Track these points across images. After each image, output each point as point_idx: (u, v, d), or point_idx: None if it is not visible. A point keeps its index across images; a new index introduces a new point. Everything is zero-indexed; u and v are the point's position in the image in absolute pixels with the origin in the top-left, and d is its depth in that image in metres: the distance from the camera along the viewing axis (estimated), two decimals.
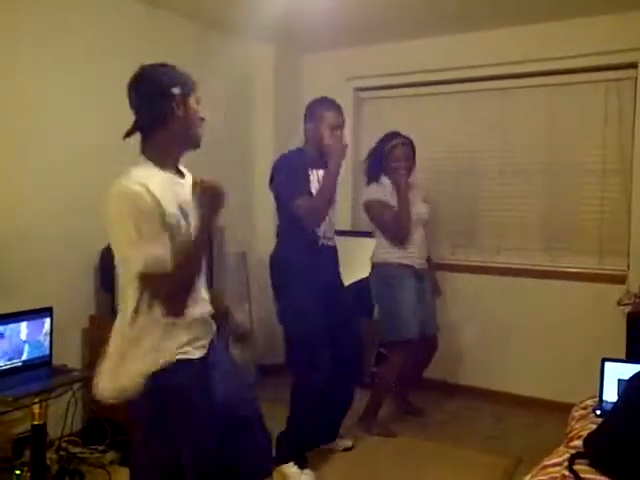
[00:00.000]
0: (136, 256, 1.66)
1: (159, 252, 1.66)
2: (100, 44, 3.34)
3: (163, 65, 1.84)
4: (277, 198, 3.00)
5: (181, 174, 1.89)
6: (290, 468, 2.91)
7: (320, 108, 2.98)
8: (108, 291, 3.31)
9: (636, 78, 3.66)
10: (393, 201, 3.44)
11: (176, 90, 1.77)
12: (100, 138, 3.34)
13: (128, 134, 1.85)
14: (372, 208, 3.49)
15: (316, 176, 2.94)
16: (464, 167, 4.23)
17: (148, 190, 1.67)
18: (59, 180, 3.18)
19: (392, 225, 3.43)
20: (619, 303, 3.47)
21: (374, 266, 3.56)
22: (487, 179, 4.20)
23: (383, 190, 3.47)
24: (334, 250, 3.11)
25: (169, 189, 1.75)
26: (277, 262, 3.02)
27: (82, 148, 3.27)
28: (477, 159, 4.22)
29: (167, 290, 1.72)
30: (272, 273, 3.04)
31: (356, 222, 4.53)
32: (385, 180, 3.49)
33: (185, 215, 1.76)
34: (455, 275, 4.19)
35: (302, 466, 2.93)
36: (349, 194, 4.41)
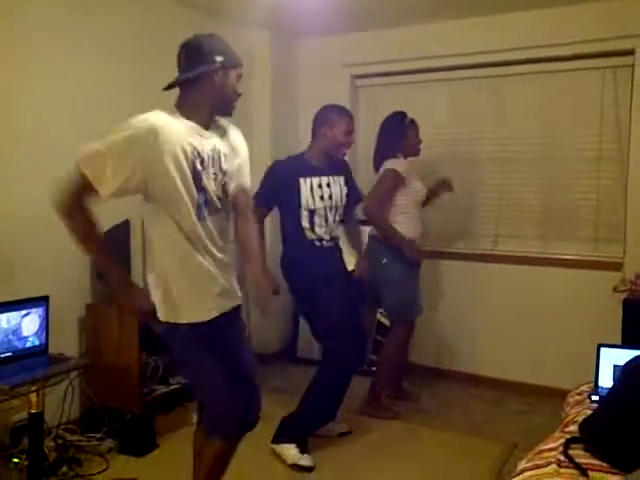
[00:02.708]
0: (88, 149, 1.83)
1: (102, 172, 1.80)
2: (95, 33, 3.32)
3: (215, 36, 2.00)
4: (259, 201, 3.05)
5: (210, 127, 2.02)
6: (291, 449, 2.94)
7: (335, 114, 3.06)
8: (105, 280, 3.31)
9: (633, 65, 3.64)
10: (413, 180, 3.52)
11: (219, 58, 1.92)
12: (101, 129, 3.32)
13: (168, 87, 1.98)
14: (391, 177, 3.44)
15: (309, 183, 3.00)
16: (460, 155, 4.22)
17: (154, 131, 1.82)
18: (58, 169, 3.15)
19: (381, 206, 3.45)
20: (615, 290, 3.48)
21: (388, 247, 3.52)
22: (483, 167, 4.19)
23: (404, 165, 3.49)
24: (335, 249, 3.16)
25: (185, 135, 1.90)
26: (288, 265, 3.10)
27: (84, 137, 3.25)
28: (473, 147, 4.21)
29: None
30: (289, 278, 3.10)
31: None
32: (401, 158, 3.52)
33: (194, 159, 1.91)
34: (451, 263, 4.20)
35: (303, 450, 2.96)
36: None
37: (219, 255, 2.02)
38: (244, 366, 2.14)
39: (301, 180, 2.99)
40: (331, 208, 3.05)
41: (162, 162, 1.85)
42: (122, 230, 3.11)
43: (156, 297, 2.00)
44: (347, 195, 3.15)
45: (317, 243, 3.03)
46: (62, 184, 1.87)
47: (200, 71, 1.91)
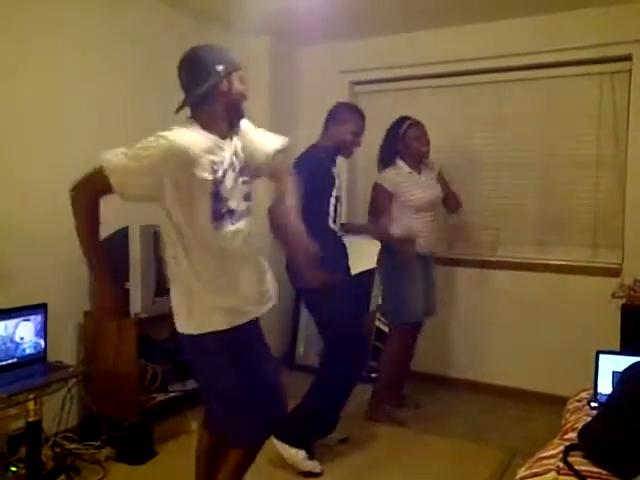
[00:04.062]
0: (114, 158, 1.90)
1: (127, 179, 1.88)
2: (94, 39, 3.33)
3: (209, 46, 2.04)
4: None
5: (228, 136, 2.07)
6: (298, 454, 2.93)
7: (346, 113, 3.09)
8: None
9: (630, 70, 3.65)
10: (408, 185, 3.50)
11: (220, 68, 1.96)
12: (98, 137, 3.34)
13: (179, 109, 2.03)
14: (376, 190, 3.51)
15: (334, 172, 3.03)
16: (459, 160, 4.22)
17: (180, 147, 1.88)
18: (55, 178, 3.16)
19: (375, 223, 3.50)
20: (613, 296, 3.47)
21: (386, 248, 3.57)
22: (482, 172, 4.20)
23: (399, 173, 3.51)
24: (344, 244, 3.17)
25: (207, 148, 1.95)
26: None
27: (80, 148, 3.25)
28: (472, 152, 4.22)
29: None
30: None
31: (351, 215, 4.51)
32: (400, 163, 3.54)
33: (215, 170, 1.96)
34: (450, 268, 4.20)
35: (310, 457, 2.96)
36: (345, 187, 4.37)
37: (243, 263, 2.08)
38: (266, 374, 2.19)
39: (332, 167, 3.02)
40: (339, 197, 3.07)
41: (188, 176, 1.90)
42: (121, 236, 3.11)
43: (181, 310, 2.04)
44: None
45: (339, 234, 3.03)
46: (84, 181, 1.98)
47: (206, 87, 1.96)
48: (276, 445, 2.90)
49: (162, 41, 3.67)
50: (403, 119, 3.58)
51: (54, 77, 3.16)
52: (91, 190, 1.97)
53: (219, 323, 2.02)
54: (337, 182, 3.03)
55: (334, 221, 3.00)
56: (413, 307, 3.51)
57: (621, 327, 3.25)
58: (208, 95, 1.98)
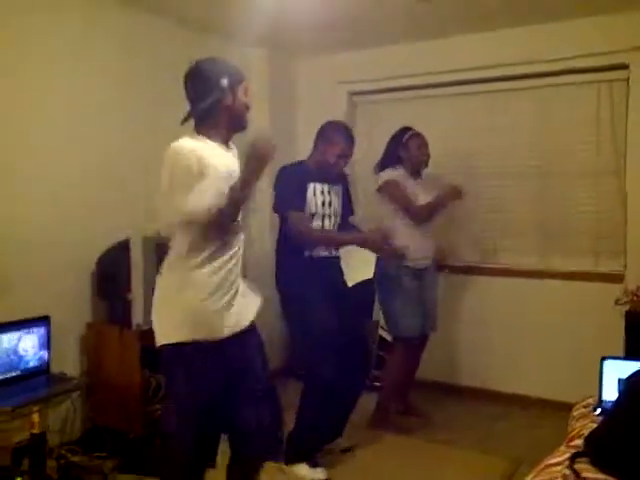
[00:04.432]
0: (183, 201, 1.87)
1: (202, 201, 1.86)
2: (92, 51, 3.35)
3: (213, 59, 2.08)
4: (275, 209, 3.06)
5: (229, 148, 2.13)
6: (302, 469, 2.93)
7: (335, 133, 3.06)
8: (104, 298, 3.30)
9: (628, 79, 3.67)
10: (409, 188, 3.52)
11: (224, 82, 2.00)
12: (98, 149, 3.37)
13: (184, 120, 2.07)
14: (391, 187, 3.50)
15: (313, 189, 3.01)
16: (458, 169, 4.23)
17: (195, 152, 1.91)
18: (56, 189, 3.18)
19: (414, 208, 3.49)
20: (617, 302, 3.47)
21: (377, 262, 3.60)
22: (482, 181, 4.20)
23: (398, 175, 3.52)
24: (333, 260, 3.14)
25: (217, 154, 2.00)
26: (283, 286, 3.06)
27: (81, 159, 3.29)
28: (470, 161, 4.23)
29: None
30: (281, 295, 3.08)
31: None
32: (399, 168, 3.56)
33: (228, 177, 1.95)
34: (452, 276, 4.19)
35: (314, 465, 2.96)
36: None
37: (233, 273, 2.08)
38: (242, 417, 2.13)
39: (309, 184, 3.00)
40: (330, 216, 3.07)
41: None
42: (122, 248, 3.12)
43: (175, 317, 2.02)
44: (343, 206, 3.17)
45: (313, 255, 3.01)
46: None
47: (211, 100, 2.00)
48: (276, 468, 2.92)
49: (161, 51, 3.70)
50: (406, 129, 3.62)
51: (55, 85, 3.18)
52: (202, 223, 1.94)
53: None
54: (320, 199, 3.01)
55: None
56: (408, 323, 3.49)
57: (625, 333, 3.25)
58: (212, 108, 2.01)
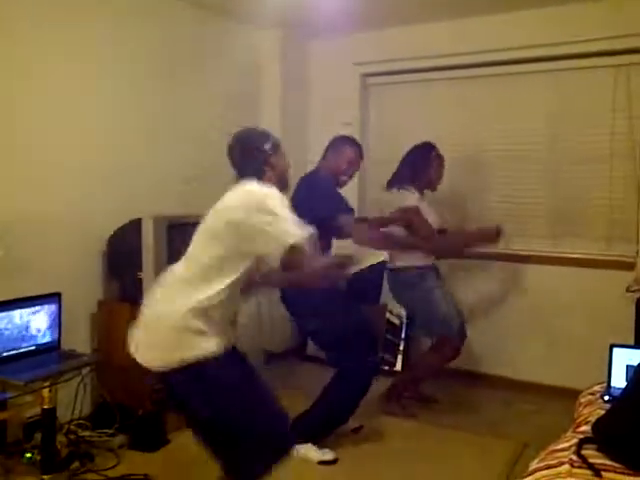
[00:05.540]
0: (294, 231, 1.93)
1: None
2: (106, 33, 3.35)
3: (252, 129, 2.33)
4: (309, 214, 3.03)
5: None
6: (310, 451, 2.96)
7: (344, 143, 3.18)
8: (116, 277, 3.33)
9: None
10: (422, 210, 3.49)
11: (267, 146, 2.19)
12: (110, 129, 3.37)
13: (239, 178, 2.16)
14: (418, 216, 3.45)
15: None
16: (470, 153, 4.21)
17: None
18: (70, 171, 3.20)
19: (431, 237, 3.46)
20: (628, 289, 3.45)
21: (394, 273, 3.60)
22: (493, 165, 4.17)
23: (414, 197, 3.50)
24: None
25: None
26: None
27: (94, 138, 3.30)
28: (483, 145, 4.20)
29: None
30: (299, 297, 3.06)
31: (360, 210, 4.51)
32: (412, 187, 3.52)
33: None
34: (463, 262, 4.18)
35: (320, 446, 2.99)
36: (356, 193, 4.34)
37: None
38: None
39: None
40: None
41: None
42: (133, 227, 3.13)
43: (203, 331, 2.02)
44: None
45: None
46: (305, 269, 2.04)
47: (258, 162, 2.17)
48: None
49: (174, 34, 3.68)
50: (430, 147, 3.58)
51: (69, 70, 3.18)
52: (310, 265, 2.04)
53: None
54: None
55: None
56: (449, 320, 3.47)
57: (636, 321, 3.23)
58: (259, 169, 2.15)
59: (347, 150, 3.15)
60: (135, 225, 3.14)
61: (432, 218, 3.52)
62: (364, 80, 4.60)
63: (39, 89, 3.05)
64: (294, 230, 1.92)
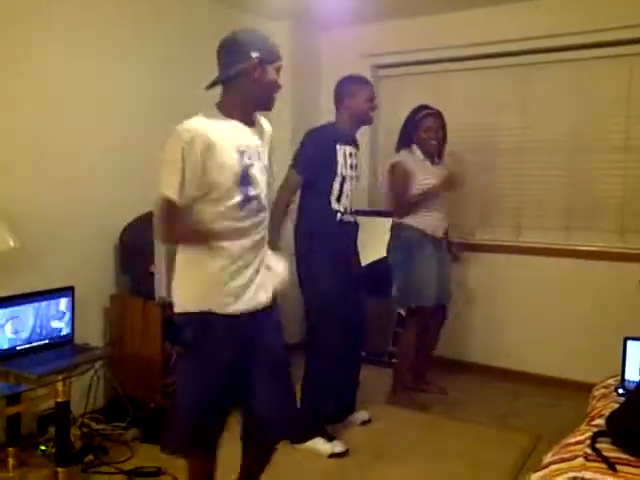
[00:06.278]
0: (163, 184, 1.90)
1: (172, 194, 1.87)
2: (120, 26, 3.35)
3: (252, 31, 2.04)
4: (301, 169, 3.00)
5: (251, 124, 2.05)
6: (319, 444, 2.96)
7: (354, 84, 3.08)
8: (128, 271, 3.34)
9: None
10: (419, 170, 3.48)
11: (255, 54, 1.92)
12: (125, 125, 3.38)
13: (210, 86, 2.02)
14: (396, 171, 3.49)
15: (343, 151, 3.00)
16: (482, 144, 4.18)
17: (200, 135, 1.85)
18: (83, 165, 3.21)
19: (399, 200, 3.48)
20: None
21: (393, 229, 3.59)
22: (506, 156, 4.14)
23: (412, 157, 3.50)
24: (353, 226, 3.14)
25: (229, 133, 1.93)
26: (301, 232, 3.05)
27: (109, 134, 3.31)
28: (498, 136, 4.17)
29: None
30: (296, 242, 3.06)
31: (373, 201, 4.50)
32: (415, 148, 3.52)
33: (241, 154, 1.93)
34: (474, 254, 4.16)
35: (330, 439, 2.98)
36: (367, 172, 4.36)
37: (257, 247, 2.04)
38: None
39: (337, 146, 2.99)
40: (353, 178, 3.06)
41: (213, 163, 1.87)
42: (146, 220, 3.13)
43: (190, 287, 2.04)
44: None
45: (341, 216, 3.00)
46: (160, 222, 2.01)
47: (238, 69, 1.93)
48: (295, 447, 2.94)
49: (181, 23, 3.68)
50: (421, 108, 3.55)
51: (84, 64, 3.18)
52: (170, 224, 1.99)
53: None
54: (345, 161, 3.00)
55: (338, 200, 2.99)
56: (429, 292, 3.49)
57: None
58: (239, 78, 1.94)
59: (361, 89, 3.06)
60: (147, 219, 3.14)
61: (429, 179, 3.49)
62: (375, 72, 4.57)
63: (53, 86, 3.06)
64: (165, 181, 1.89)
